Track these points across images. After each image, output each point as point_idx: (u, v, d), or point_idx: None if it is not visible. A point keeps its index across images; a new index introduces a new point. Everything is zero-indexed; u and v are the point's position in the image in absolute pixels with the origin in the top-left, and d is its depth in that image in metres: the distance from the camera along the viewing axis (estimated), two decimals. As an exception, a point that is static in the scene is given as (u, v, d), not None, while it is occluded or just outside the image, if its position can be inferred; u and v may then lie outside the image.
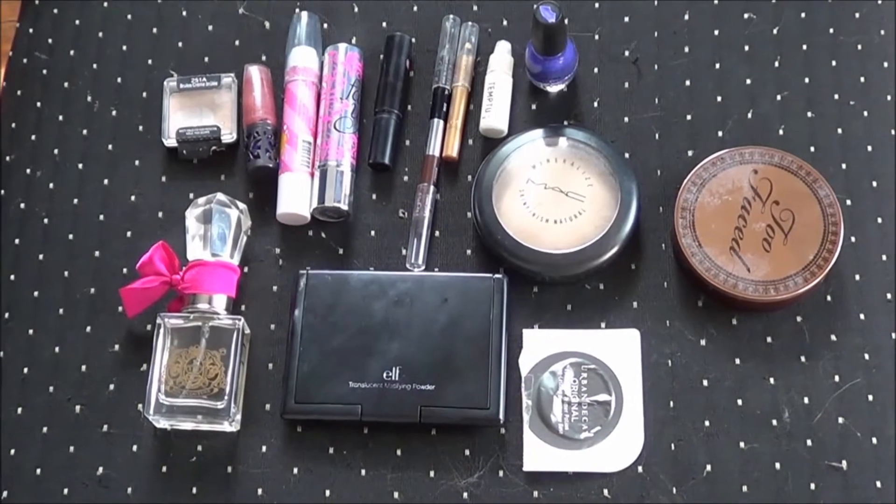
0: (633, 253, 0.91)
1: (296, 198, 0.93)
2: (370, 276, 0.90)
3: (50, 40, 1.02)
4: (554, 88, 0.97)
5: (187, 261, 0.90)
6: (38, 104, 1.00)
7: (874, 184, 0.92)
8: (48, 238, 0.95)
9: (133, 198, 0.96)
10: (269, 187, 0.95)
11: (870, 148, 0.93)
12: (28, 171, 0.97)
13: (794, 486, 0.84)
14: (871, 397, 0.86)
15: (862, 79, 0.95)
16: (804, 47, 0.97)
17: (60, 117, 0.99)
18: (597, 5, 0.99)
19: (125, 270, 0.93)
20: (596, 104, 0.96)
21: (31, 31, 1.03)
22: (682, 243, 0.89)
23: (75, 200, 0.96)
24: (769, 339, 0.88)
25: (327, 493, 0.86)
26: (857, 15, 0.97)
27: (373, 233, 0.94)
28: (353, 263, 0.93)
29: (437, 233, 0.94)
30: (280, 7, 1.01)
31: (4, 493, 0.87)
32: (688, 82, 0.96)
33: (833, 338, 0.88)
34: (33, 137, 0.99)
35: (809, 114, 0.95)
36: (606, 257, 0.89)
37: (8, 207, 0.96)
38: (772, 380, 0.87)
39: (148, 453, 0.88)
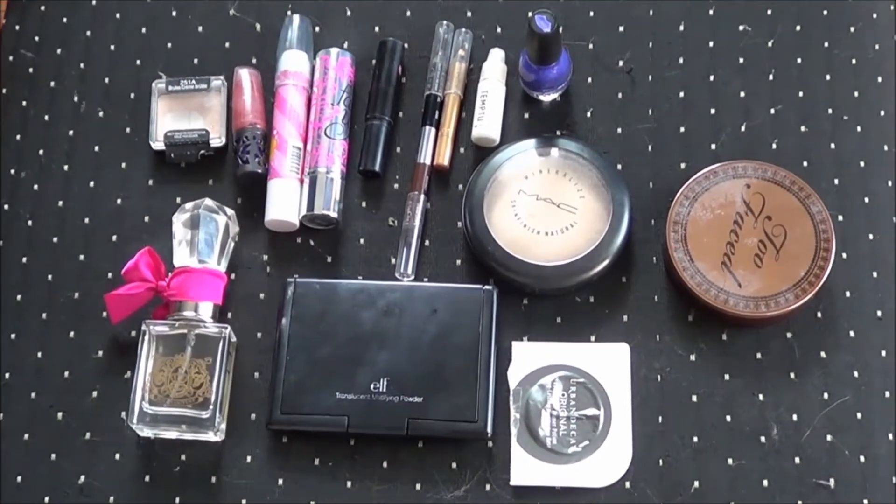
0: (624, 266, 0.91)
1: (284, 204, 0.92)
2: (359, 286, 0.90)
3: (37, 38, 1.01)
4: (547, 98, 0.96)
5: (173, 267, 0.89)
6: (24, 103, 0.98)
7: (866, 200, 0.92)
8: (32, 240, 0.94)
9: (119, 201, 0.95)
10: (257, 193, 0.94)
11: (863, 163, 0.93)
12: (12, 171, 0.96)
13: (782, 503, 0.84)
14: (859, 415, 0.86)
15: (856, 93, 0.95)
16: (799, 61, 0.96)
17: (46, 117, 0.98)
18: (591, 14, 0.98)
19: (110, 275, 0.92)
20: (589, 114, 0.96)
21: (17, 28, 1.02)
22: (674, 257, 0.88)
23: (60, 203, 0.95)
24: (759, 356, 0.88)
25: (312, 504, 0.86)
26: (852, 29, 0.97)
27: (362, 241, 0.93)
28: (342, 272, 0.92)
29: (426, 242, 0.93)
30: (272, 9, 1.00)
31: (-15, 501, 0.87)
32: (682, 94, 0.96)
33: (823, 355, 0.88)
34: (18, 137, 0.97)
35: (803, 128, 0.94)
36: (597, 270, 0.89)
37: (-9, 209, 0.95)
38: (761, 396, 0.87)
39: (131, 462, 0.87)
